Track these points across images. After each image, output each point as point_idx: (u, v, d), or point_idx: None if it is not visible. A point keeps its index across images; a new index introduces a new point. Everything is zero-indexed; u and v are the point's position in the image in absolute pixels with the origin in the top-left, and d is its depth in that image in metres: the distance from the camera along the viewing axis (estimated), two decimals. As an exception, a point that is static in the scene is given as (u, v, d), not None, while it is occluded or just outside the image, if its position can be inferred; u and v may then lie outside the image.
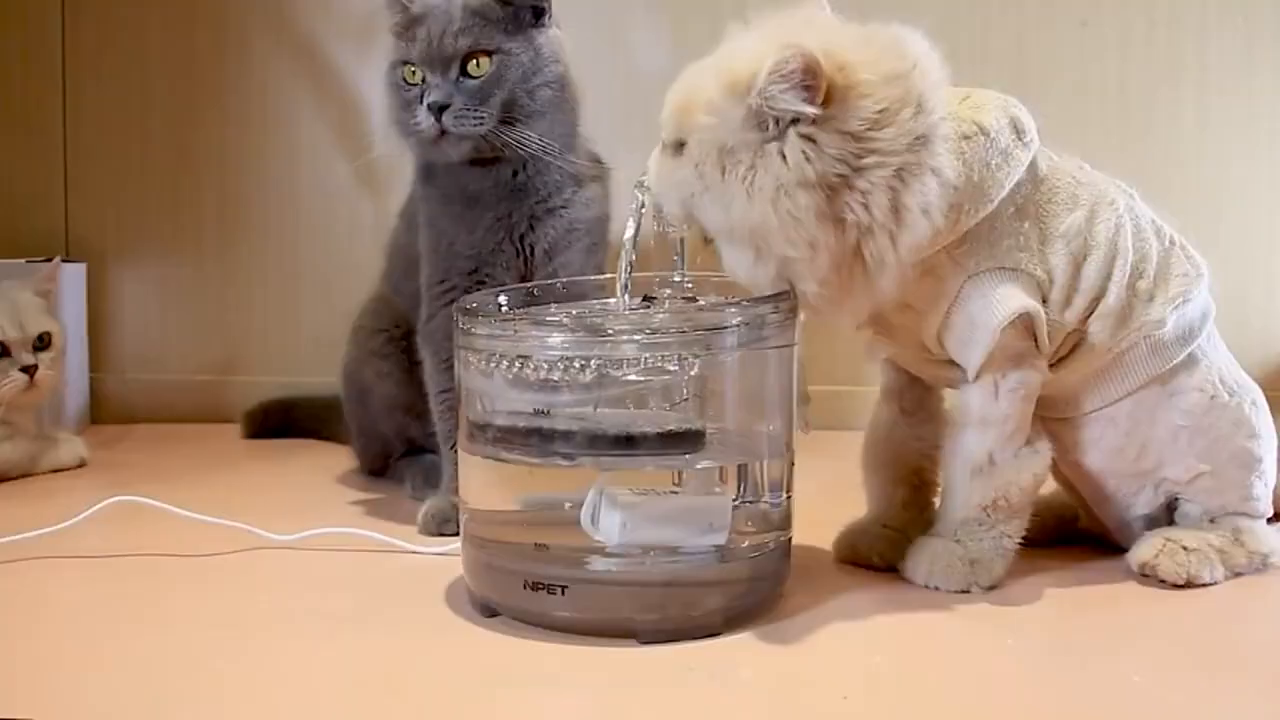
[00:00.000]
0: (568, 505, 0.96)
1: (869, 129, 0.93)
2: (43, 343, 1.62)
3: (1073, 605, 1.05)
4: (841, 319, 1.04)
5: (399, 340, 1.49)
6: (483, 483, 1.02)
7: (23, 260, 1.86)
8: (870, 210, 0.94)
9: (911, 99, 0.95)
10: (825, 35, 0.96)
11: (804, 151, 0.93)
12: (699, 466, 0.99)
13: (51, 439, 1.66)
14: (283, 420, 1.92)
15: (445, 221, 1.33)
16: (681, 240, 1.07)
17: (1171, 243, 1.10)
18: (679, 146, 0.99)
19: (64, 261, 1.96)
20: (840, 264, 0.96)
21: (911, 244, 0.96)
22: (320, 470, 1.64)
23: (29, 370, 1.58)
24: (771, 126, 0.93)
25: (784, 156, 0.93)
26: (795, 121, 0.93)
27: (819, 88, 0.91)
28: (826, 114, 0.93)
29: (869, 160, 0.94)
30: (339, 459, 1.68)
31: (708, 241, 1.02)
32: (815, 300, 0.98)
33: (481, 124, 1.25)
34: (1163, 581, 1.07)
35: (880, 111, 0.94)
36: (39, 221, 2.07)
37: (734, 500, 0.99)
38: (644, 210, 1.05)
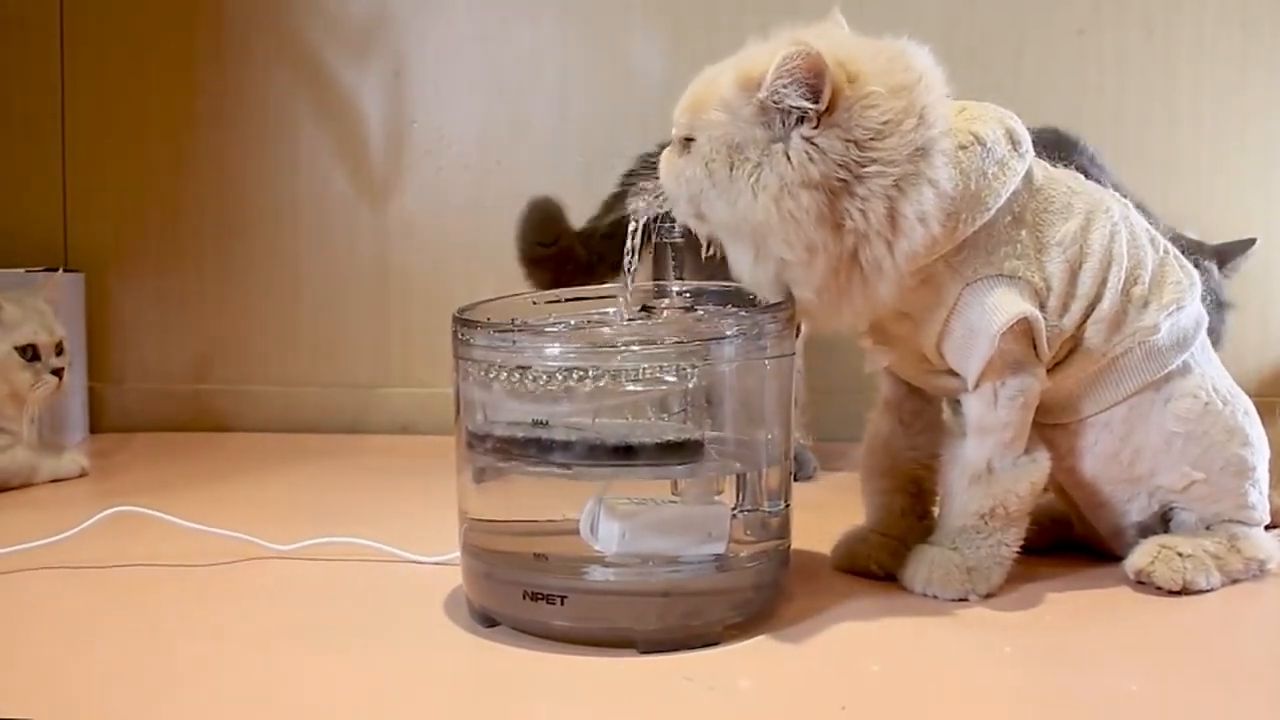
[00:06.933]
0: (565, 515, 0.96)
1: (872, 138, 0.95)
2: (59, 349, 1.65)
3: (1070, 612, 1.05)
4: (840, 326, 1.05)
5: None
6: (482, 492, 1.02)
7: (22, 270, 1.86)
8: (867, 217, 0.95)
9: (915, 111, 0.96)
10: (839, 46, 0.97)
11: (807, 153, 0.94)
12: (698, 476, 0.99)
13: (52, 449, 1.66)
14: None
15: None
16: (680, 250, 1.07)
17: (1165, 252, 1.12)
18: (688, 143, 1.00)
19: (63, 272, 1.97)
20: (838, 269, 0.97)
21: (908, 251, 0.97)
22: (319, 480, 1.64)
23: (58, 373, 1.62)
24: (778, 125, 0.95)
25: (789, 157, 0.94)
26: (800, 122, 0.94)
27: (822, 88, 0.93)
28: (832, 119, 0.94)
29: (870, 169, 0.95)
30: (338, 468, 1.68)
31: (708, 249, 1.02)
32: (813, 308, 0.99)
33: None
34: (1159, 588, 1.07)
35: (885, 123, 0.95)
36: (38, 231, 2.08)
37: (733, 509, 0.99)
38: (643, 221, 1.05)
